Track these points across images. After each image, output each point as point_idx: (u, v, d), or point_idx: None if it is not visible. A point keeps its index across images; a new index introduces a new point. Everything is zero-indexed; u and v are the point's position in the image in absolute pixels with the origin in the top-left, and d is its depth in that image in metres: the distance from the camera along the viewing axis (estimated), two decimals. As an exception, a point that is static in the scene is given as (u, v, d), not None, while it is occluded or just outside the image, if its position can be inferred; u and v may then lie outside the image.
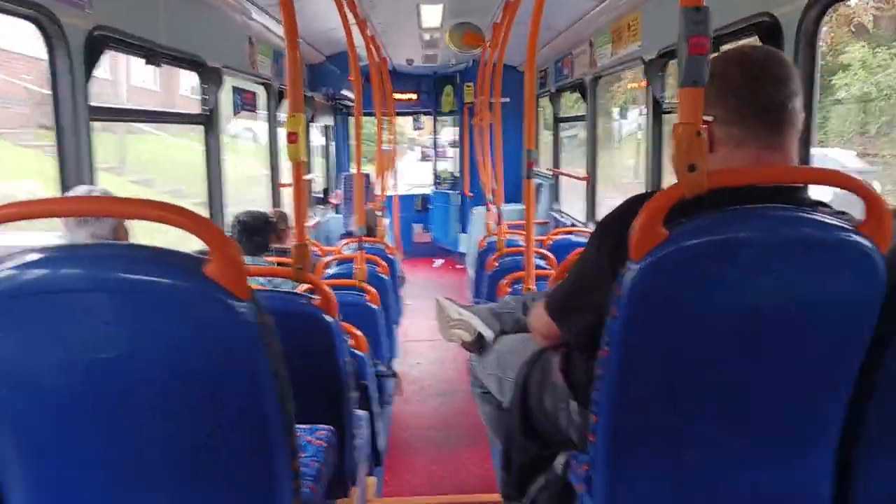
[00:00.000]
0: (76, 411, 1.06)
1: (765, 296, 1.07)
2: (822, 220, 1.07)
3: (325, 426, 1.69)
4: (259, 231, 3.04)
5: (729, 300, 1.07)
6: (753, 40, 2.43)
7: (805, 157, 2.14)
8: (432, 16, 4.87)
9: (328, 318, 1.77)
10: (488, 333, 1.93)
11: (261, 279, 2.80)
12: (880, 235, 1.07)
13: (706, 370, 1.15)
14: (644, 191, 1.39)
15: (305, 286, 2.32)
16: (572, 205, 6.18)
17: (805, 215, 1.08)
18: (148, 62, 3.03)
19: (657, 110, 3.69)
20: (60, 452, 1.10)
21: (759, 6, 2.33)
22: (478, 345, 1.95)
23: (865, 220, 1.08)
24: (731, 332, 1.10)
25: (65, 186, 2.37)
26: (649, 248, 1.05)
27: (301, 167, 1.79)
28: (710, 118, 1.20)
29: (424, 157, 21.72)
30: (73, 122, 2.35)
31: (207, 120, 3.74)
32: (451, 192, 8.49)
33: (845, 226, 1.07)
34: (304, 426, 1.65)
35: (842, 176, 1.11)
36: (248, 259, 2.96)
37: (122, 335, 1.01)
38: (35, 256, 1.01)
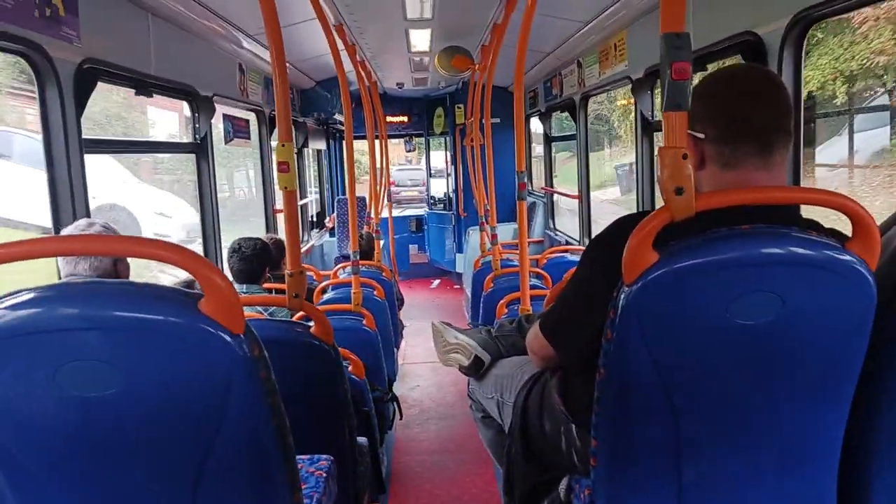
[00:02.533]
0: (71, 449, 1.06)
1: (757, 315, 1.07)
2: (810, 238, 1.08)
3: (325, 456, 1.67)
4: (255, 258, 3.03)
5: (722, 320, 1.08)
6: (738, 59, 2.46)
7: (794, 177, 2.16)
8: (421, 40, 4.92)
9: (325, 345, 1.77)
10: (485, 357, 1.93)
11: (258, 307, 2.79)
12: (868, 252, 1.08)
13: (703, 390, 1.15)
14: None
15: (302, 313, 2.31)
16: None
17: (793, 234, 1.09)
18: (138, 93, 3.05)
19: (646, 128, 3.73)
20: (56, 490, 1.09)
21: (742, 25, 2.36)
22: (475, 369, 1.94)
23: (853, 237, 1.10)
24: (726, 352, 1.11)
25: (57, 221, 2.36)
26: (640, 270, 1.06)
27: (293, 195, 1.79)
28: (701, 136, 1.21)
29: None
30: (66, 155, 2.35)
31: (199, 148, 3.75)
32: (445, 212, 8.52)
33: (833, 244, 1.08)
34: (304, 457, 1.64)
35: (828, 195, 1.12)
36: (243, 287, 2.96)
37: (117, 373, 1.00)
38: (27, 296, 1.01)
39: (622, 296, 1.09)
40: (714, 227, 1.09)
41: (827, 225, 1.21)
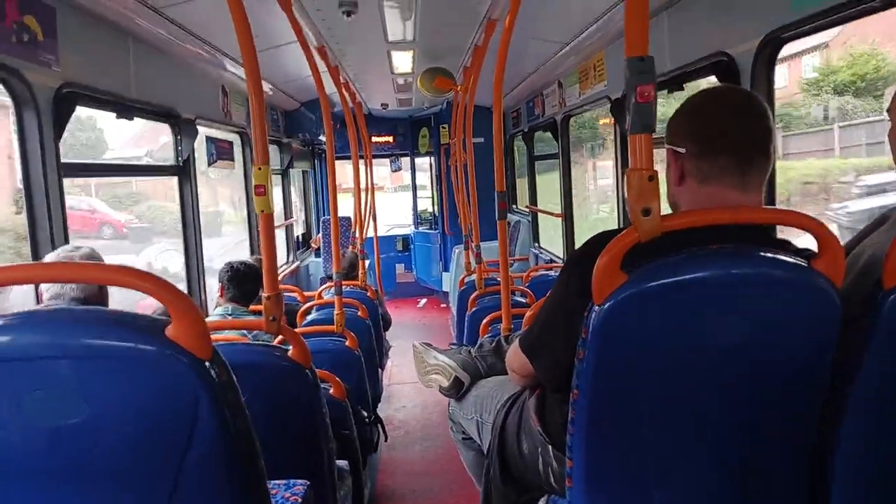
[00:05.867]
0: (36, 478, 1.04)
1: (726, 334, 1.08)
2: (778, 257, 1.09)
3: (301, 481, 1.65)
4: (250, 280, 3.02)
5: (691, 339, 1.08)
6: (713, 80, 2.50)
7: (769, 197, 2.19)
8: (403, 61, 4.96)
9: (303, 368, 1.76)
10: (465, 378, 1.93)
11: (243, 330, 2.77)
12: (834, 271, 1.09)
13: (675, 410, 1.15)
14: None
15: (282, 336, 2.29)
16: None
17: (761, 254, 1.10)
18: (119, 116, 3.04)
19: (625, 147, 3.76)
20: None
21: (716, 46, 2.41)
22: (455, 390, 1.94)
23: (819, 256, 1.11)
24: (696, 372, 1.11)
25: (35, 246, 2.34)
26: (609, 291, 1.06)
27: (270, 219, 1.78)
28: (682, 151, 1.23)
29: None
30: (44, 180, 2.34)
31: (181, 171, 3.74)
32: (431, 231, 8.53)
33: (800, 262, 1.09)
34: (280, 482, 1.62)
35: (795, 215, 1.14)
36: (229, 308, 2.94)
37: (84, 401, 0.99)
38: None
39: (592, 316, 1.10)
40: (686, 245, 1.10)
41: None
